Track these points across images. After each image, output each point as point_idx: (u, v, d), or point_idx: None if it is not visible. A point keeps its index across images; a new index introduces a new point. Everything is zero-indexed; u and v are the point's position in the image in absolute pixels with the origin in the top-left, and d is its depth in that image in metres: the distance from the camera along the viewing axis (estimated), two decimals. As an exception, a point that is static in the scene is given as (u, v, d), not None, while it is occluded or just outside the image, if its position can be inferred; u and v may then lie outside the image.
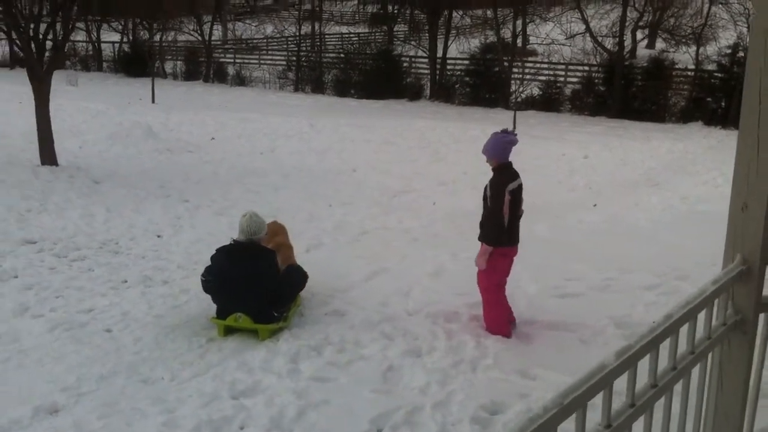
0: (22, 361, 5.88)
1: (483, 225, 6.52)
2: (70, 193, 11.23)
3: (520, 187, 6.55)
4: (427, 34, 30.26)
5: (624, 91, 23.55)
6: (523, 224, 9.89)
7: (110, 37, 39.83)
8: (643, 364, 2.37)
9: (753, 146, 2.68)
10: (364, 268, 8.20)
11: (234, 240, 6.60)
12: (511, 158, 6.55)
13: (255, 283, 6.30)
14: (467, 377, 5.69)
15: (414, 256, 8.72)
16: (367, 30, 41.50)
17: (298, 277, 6.87)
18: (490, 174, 6.54)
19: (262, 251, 6.56)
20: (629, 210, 11.25)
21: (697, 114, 22.24)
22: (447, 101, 27.27)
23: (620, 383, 2.29)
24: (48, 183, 11.78)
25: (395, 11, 38.86)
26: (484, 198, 6.53)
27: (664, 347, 2.45)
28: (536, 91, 25.96)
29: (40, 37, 12.73)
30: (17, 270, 7.85)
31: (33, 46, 12.58)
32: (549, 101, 25.18)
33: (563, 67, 27.23)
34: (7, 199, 10.63)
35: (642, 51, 32.64)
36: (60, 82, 30.93)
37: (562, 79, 26.45)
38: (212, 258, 6.58)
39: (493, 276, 6.48)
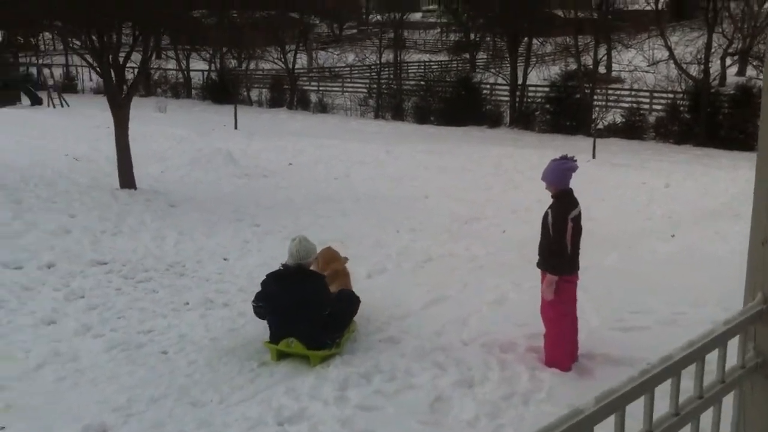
0: (77, 380, 6.00)
1: (544, 254, 6.35)
2: (145, 216, 11.50)
3: (580, 214, 6.36)
4: (507, 62, 30.11)
5: (710, 119, 22.82)
6: (593, 254, 9.71)
7: (199, 66, 41.08)
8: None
9: None
10: (423, 295, 8.10)
11: (283, 265, 6.60)
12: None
13: (304, 308, 6.28)
14: (518, 411, 5.50)
15: (476, 284, 8.57)
16: (447, 58, 41.56)
17: (349, 302, 6.82)
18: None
19: (310, 276, 6.54)
20: (708, 241, 10.79)
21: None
22: (527, 128, 27.00)
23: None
24: (125, 206, 12.10)
25: (477, 39, 38.85)
26: (545, 225, 6.36)
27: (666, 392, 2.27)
28: (619, 119, 25.43)
29: (119, 64, 13.13)
30: (85, 290, 8.05)
31: (113, 73, 13.00)
32: (632, 129, 24.63)
33: (647, 94, 26.61)
34: (85, 221, 10.95)
35: (732, 78, 31.66)
36: (149, 109, 32.14)
37: (646, 106, 25.85)
38: (262, 284, 6.59)
39: (559, 306, 6.29)
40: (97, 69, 13.35)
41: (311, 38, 46.14)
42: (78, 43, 13.55)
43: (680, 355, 2.24)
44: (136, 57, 14.52)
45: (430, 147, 21.14)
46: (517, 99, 28.39)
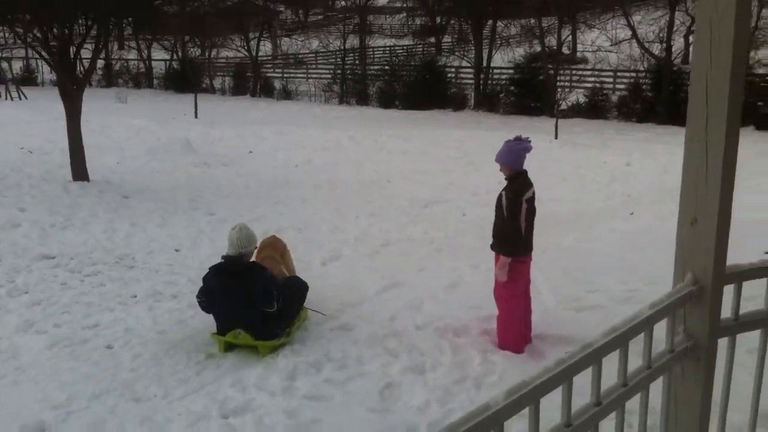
0: (17, 378, 5.77)
1: (498, 235, 6.24)
2: (97, 209, 11.24)
3: (534, 195, 6.26)
4: (472, 45, 30.01)
5: (672, 97, 22.90)
6: (552, 234, 9.65)
7: (161, 55, 40.54)
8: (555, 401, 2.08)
9: (701, 153, 2.37)
10: (378, 281, 7.96)
11: (224, 256, 6.40)
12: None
13: (248, 305, 6.10)
14: (469, 395, 5.39)
15: (432, 268, 8.45)
16: (412, 42, 41.39)
17: (297, 291, 6.64)
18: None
19: (250, 271, 6.30)
20: (666, 219, 10.76)
21: (747, 119, 21.47)
22: (491, 110, 26.96)
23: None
24: (77, 198, 11.83)
25: (442, 22, 38.70)
26: (498, 207, 6.24)
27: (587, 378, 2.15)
28: (582, 99, 25.45)
29: (70, 56, 12.80)
30: (29, 285, 7.80)
31: (63, 65, 12.67)
32: (595, 108, 24.68)
33: (610, 73, 26.66)
34: (35, 214, 10.68)
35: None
36: (110, 100, 31.66)
37: (609, 86, 25.89)
38: (204, 278, 6.40)
39: (513, 287, 6.19)
40: (49, 61, 13.01)
41: (276, 25, 45.74)
42: (29, 35, 13.19)
43: (601, 342, 2.12)
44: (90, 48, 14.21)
45: (394, 131, 21.01)
46: (482, 81, 28.30)
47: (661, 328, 2.45)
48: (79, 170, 12.96)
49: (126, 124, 22.27)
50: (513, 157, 6.19)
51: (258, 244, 6.76)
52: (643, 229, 10.23)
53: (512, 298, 6.22)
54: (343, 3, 52.16)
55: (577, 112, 24.80)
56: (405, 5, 49.94)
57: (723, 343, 2.65)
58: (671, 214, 9.61)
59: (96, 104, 29.32)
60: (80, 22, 13.13)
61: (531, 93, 26.13)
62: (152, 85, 39.36)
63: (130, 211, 11.27)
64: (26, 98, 31.44)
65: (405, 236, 10.10)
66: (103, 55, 41.14)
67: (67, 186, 12.62)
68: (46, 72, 38.96)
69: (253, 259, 6.68)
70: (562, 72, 26.08)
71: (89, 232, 9.97)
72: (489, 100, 27.49)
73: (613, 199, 12.63)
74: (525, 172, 6.28)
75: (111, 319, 6.96)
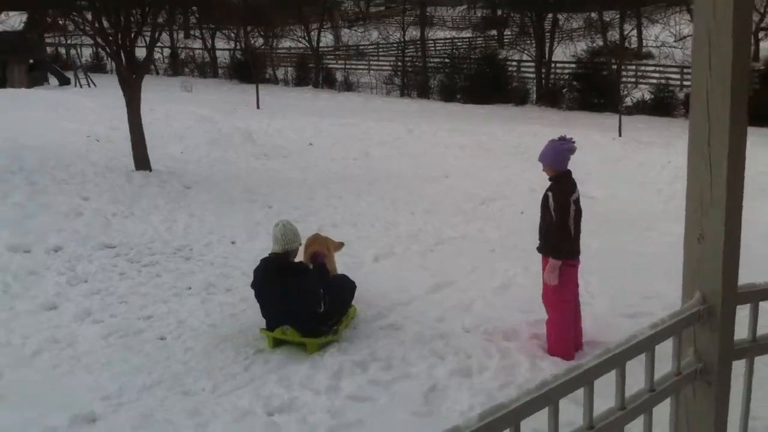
0: (72, 367, 5.94)
1: (546, 238, 6.16)
2: (158, 199, 11.44)
3: (579, 196, 6.18)
4: (532, 38, 29.66)
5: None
6: (608, 235, 9.50)
7: (227, 45, 41.04)
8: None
9: (704, 167, 2.31)
10: (429, 280, 7.95)
11: (270, 254, 6.45)
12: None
13: (293, 305, 6.15)
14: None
15: (484, 268, 8.39)
16: (472, 35, 41.09)
17: (343, 290, 6.66)
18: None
19: (297, 272, 6.34)
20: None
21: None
22: (553, 106, 26.61)
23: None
24: (139, 188, 12.05)
25: (505, 15, 38.33)
26: (545, 208, 6.16)
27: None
28: (647, 96, 24.93)
29: (128, 44, 13.02)
30: (88, 274, 8.01)
31: (122, 54, 12.92)
32: (660, 105, 24.13)
33: (676, 70, 26.05)
34: (97, 203, 10.92)
35: (766, 53, 30.86)
36: (176, 89, 32.23)
37: (675, 83, 25.29)
38: (254, 270, 6.47)
39: (563, 291, 6.11)
40: (107, 49, 13.27)
41: (337, 16, 45.90)
42: (86, 22, 13.47)
43: (592, 364, 2.08)
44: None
45: (454, 125, 20.89)
46: (543, 76, 27.96)
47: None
48: (142, 159, 13.20)
49: (190, 113, 22.56)
50: (557, 158, 6.13)
51: (302, 241, 6.78)
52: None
53: (562, 303, 6.14)
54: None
55: (641, 109, 24.32)
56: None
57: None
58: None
59: (162, 93, 29.92)
60: (136, 10, 13.30)
61: (594, 89, 25.71)
62: (217, 75, 39.92)
63: (189, 202, 11.45)
64: (95, 86, 32.18)
65: (459, 234, 10.05)
66: (169, 43, 41.96)
67: (130, 175, 12.86)
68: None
69: (300, 256, 6.74)
70: (625, 68, 25.60)
71: (149, 222, 10.17)
72: (551, 96, 27.17)
73: (675, 199, 12.32)
74: (569, 173, 6.20)
75: (165, 311, 7.11)
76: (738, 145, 2.27)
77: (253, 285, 6.44)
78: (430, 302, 7.32)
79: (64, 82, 33.36)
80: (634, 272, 8.07)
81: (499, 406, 1.90)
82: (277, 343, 6.33)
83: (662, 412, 2.46)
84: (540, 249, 6.21)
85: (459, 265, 8.55)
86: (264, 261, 6.44)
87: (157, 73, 41.54)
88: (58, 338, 6.43)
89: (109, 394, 5.48)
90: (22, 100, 23.98)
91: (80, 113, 21.81)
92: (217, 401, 5.41)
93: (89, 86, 32.34)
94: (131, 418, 5.18)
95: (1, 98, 24.09)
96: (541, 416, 2.05)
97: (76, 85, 32.41)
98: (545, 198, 6.09)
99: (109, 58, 40.45)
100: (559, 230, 5.99)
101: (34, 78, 32.25)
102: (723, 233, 2.30)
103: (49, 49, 40.65)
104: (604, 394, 2.29)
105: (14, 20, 19.67)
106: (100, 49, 40.97)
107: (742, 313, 2.58)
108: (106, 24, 13.07)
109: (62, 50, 42.14)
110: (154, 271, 8.28)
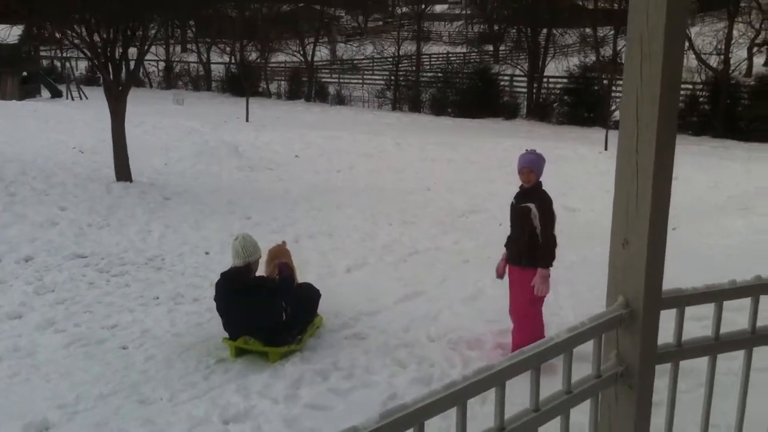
0: (29, 376, 5.89)
1: (527, 249, 6.05)
2: (136, 209, 11.42)
3: None
4: (526, 53, 29.76)
5: (730, 111, 22.31)
6: (583, 246, 9.47)
7: (222, 59, 41.11)
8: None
9: (631, 175, 2.29)
10: (399, 290, 7.91)
11: (231, 268, 6.41)
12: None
13: (255, 317, 6.11)
14: (473, 411, 5.28)
15: (456, 279, 8.36)
16: (466, 50, 41.22)
17: (308, 299, 6.62)
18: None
19: (258, 287, 6.30)
20: (706, 235, 10.47)
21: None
22: (543, 120, 26.65)
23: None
24: (118, 198, 12.03)
25: (501, 30, 38.43)
26: (520, 218, 6.09)
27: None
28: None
29: (115, 57, 13.05)
30: (56, 284, 7.96)
31: (110, 66, 12.93)
32: (650, 120, 24.15)
33: (667, 84, 26.11)
34: (74, 213, 10.90)
35: (760, 69, 30.96)
36: (168, 101, 32.27)
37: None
38: (215, 285, 6.42)
39: (540, 300, 6.09)
40: (94, 61, 13.30)
41: (334, 30, 46.02)
42: (74, 35, 13.47)
43: (505, 365, 2.04)
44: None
45: (442, 139, 20.91)
46: (535, 90, 28.02)
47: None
48: (123, 171, 13.20)
49: (179, 126, 22.61)
50: (542, 166, 6.13)
51: (262, 254, 6.71)
52: (680, 244, 9.94)
53: (538, 313, 6.12)
54: (402, 9, 52.29)
55: (631, 123, 24.35)
56: (464, 12, 49.76)
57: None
58: (715, 229, 9.28)
59: (154, 105, 29.96)
60: (125, 24, 13.33)
61: (584, 103, 25.76)
62: (210, 88, 39.96)
63: (167, 213, 11.43)
64: (86, 98, 32.22)
65: (435, 245, 10.02)
66: (164, 57, 42.03)
67: (111, 186, 12.85)
68: (108, 73, 39.92)
69: (262, 269, 6.70)
70: (616, 83, 25.61)
71: (124, 233, 10.13)
72: (542, 110, 27.22)
73: (655, 213, 12.32)
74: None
75: (130, 320, 7.06)
76: (665, 153, 2.25)
77: (215, 299, 6.40)
78: (398, 312, 7.28)
79: (56, 94, 33.42)
80: (602, 284, 8.00)
81: (401, 406, 1.86)
82: (240, 353, 6.28)
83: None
84: (514, 260, 6.15)
85: (431, 275, 8.52)
86: (224, 275, 6.40)
87: (151, 86, 41.60)
88: (19, 347, 6.38)
89: (65, 403, 5.43)
90: (13, 112, 24.02)
91: (69, 125, 21.84)
92: (173, 410, 5.36)
93: (81, 98, 32.38)
94: (85, 426, 5.13)
95: (-9, 110, 24.15)
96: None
97: (67, 98, 32.44)
98: (525, 209, 6.01)
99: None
100: (549, 239, 5.96)
101: (27, 90, 32.31)
102: (647, 239, 2.27)
103: (45, 62, 40.76)
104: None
105: (3, 32, 19.61)
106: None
107: (669, 318, 2.56)
108: (97, 38, 13.10)
109: (58, 63, 42.18)
110: (123, 281, 8.23)
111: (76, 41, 13.54)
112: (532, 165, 6.07)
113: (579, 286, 7.83)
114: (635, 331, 2.38)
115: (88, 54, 13.23)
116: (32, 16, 19.16)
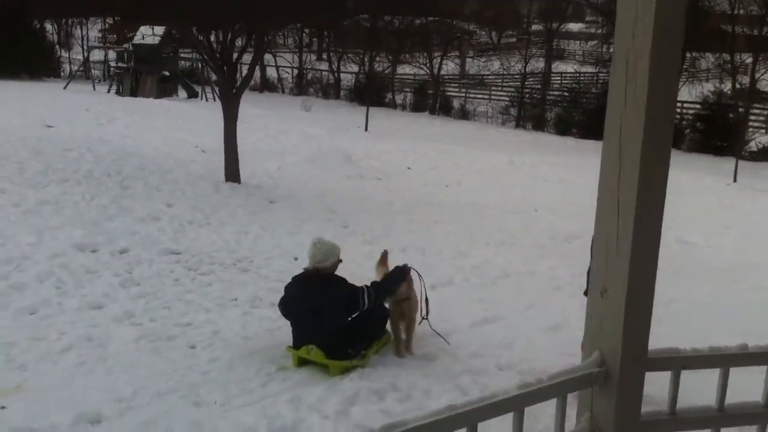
0: (94, 367, 5.98)
1: None
2: (238, 210, 11.61)
3: None
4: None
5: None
6: (687, 284, 8.88)
7: (353, 69, 41.79)
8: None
9: (611, 215, 1.98)
10: (478, 313, 7.63)
11: (304, 269, 6.35)
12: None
13: (319, 316, 6.00)
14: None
15: (541, 306, 8.00)
16: (596, 69, 40.09)
17: (378, 314, 6.45)
18: None
19: (326, 283, 6.16)
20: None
21: None
22: (673, 146, 25.43)
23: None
24: (224, 198, 12.29)
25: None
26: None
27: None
28: (776, 142, 23.55)
29: (231, 61, 13.38)
30: (143, 278, 8.13)
31: (225, 69, 13.27)
32: (789, 153, 22.70)
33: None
34: (178, 210, 11.19)
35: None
36: (295, 107, 32.99)
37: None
38: (285, 287, 6.37)
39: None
40: (211, 65, 13.68)
41: (465, 45, 45.89)
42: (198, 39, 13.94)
43: (443, 416, 1.82)
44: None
45: (559, 159, 20.36)
46: (665, 115, 26.90)
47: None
48: (232, 172, 13.49)
49: (301, 132, 23.01)
50: None
51: (341, 257, 6.52)
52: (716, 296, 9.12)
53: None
54: (537, 27, 51.56)
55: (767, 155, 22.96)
56: (600, 31, 48.51)
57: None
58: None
59: (282, 110, 30.71)
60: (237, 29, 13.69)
61: (717, 131, 24.47)
62: (339, 97, 40.63)
63: (268, 216, 11.56)
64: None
65: (528, 270, 9.65)
66: (297, 64, 43.12)
67: (219, 186, 13.15)
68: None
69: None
70: (754, 112, 24.25)
71: (220, 233, 10.30)
72: (673, 135, 26.06)
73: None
74: None
75: (204, 320, 7.11)
76: (653, 189, 1.95)
77: (282, 302, 6.34)
78: (471, 336, 7.01)
79: (192, 95, 34.71)
80: (697, 326, 7.45)
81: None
82: (303, 363, 6.18)
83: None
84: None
85: (516, 300, 8.19)
86: (297, 276, 6.35)
87: (283, 92, 42.73)
88: (92, 337, 6.51)
89: (121, 397, 5.47)
90: (148, 109, 25.10)
91: (197, 125, 22.58)
92: (223, 415, 5.31)
93: (215, 100, 33.49)
94: (134, 423, 5.14)
95: (130, 106, 25.35)
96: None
97: (202, 99, 33.64)
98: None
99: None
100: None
101: (164, 89, 33.71)
102: (626, 287, 1.96)
103: (186, 64, 42.49)
104: None
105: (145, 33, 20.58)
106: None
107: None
108: (213, 39, 13.51)
109: (199, 65, 43.90)
110: (207, 280, 8.33)
111: (198, 41, 14.00)
112: None
113: (667, 327, 7.30)
114: (611, 392, 2.08)
115: (205, 56, 13.63)
116: (175, 17, 20.06)
